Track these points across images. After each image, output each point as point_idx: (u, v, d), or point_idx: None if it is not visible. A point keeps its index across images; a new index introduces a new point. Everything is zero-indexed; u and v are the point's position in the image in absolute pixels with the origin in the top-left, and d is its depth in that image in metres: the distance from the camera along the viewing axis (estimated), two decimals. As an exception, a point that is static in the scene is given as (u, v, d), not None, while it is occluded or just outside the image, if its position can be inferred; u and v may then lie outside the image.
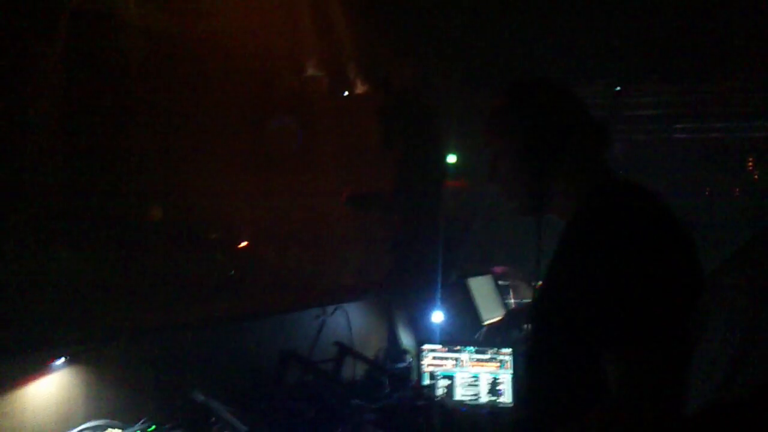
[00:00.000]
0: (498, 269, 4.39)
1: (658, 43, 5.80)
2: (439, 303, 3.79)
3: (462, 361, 3.19)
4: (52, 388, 2.40)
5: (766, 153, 6.88)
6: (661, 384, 1.37)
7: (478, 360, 3.17)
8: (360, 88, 6.00)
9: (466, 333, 3.73)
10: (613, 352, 1.43)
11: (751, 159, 6.95)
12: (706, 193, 6.77)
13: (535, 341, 1.69)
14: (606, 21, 5.59)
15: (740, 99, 6.66)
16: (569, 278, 1.53)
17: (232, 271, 4.69)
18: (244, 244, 5.08)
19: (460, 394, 3.17)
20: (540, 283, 1.69)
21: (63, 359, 2.44)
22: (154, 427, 2.51)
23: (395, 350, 3.85)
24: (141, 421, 2.52)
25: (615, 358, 1.42)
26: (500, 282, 4.32)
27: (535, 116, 1.65)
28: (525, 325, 1.88)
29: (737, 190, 6.85)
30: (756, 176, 7.05)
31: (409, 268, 4.05)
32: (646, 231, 1.45)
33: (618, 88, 6.87)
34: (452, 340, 3.37)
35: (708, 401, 1.20)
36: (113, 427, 2.44)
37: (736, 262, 1.35)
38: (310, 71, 5.84)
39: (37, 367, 2.36)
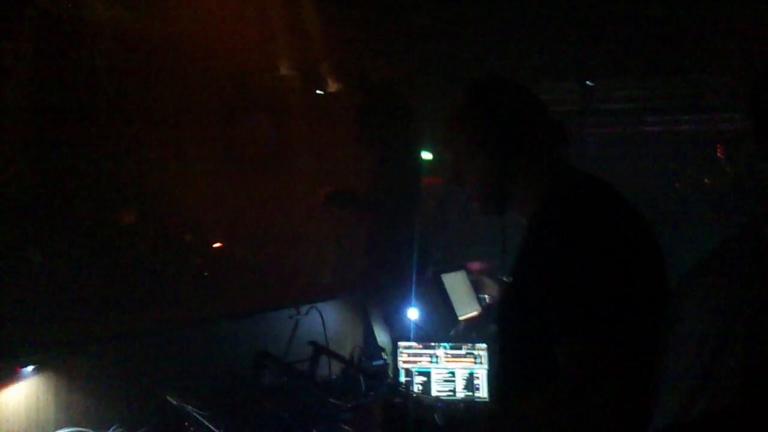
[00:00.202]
0: (472, 265, 4.40)
1: (628, 38, 5.85)
2: (414, 300, 3.79)
3: (438, 357, 3.20)
4: (20, 396, 2.36)
5: (736, 145, 6.97)
6: (605, 381, 1.36)
7: (454, 356, 3.18)
8: (334, 86, 5.98)
9: (442, 329, 3.74)
10: (560, 347, 1.45)
11: (720, 151, 7.02)
12: (676, 185, 6.84)
13: (501, 336, 1.71)
14: (577, 17, 5.62)
15: (711, 91, 6.73)
16: (527, 275, 1.55)
17: (206, 273, 4.65)
18: (218, 244, 5.04)
19: (437, 390, 3.17)
20: (509, 279, 1.71)
21: (31, 367, 2.40)
22: (126, 432, 2.48)
23: (371, 348, 3.85)
24: (113, 428, 2.50)
25: (561, 352, 1.44)
26: (475, 277, 4.33)
27: (492, 116, 1.65)
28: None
29: (708, 182, 6.93)
30: (727, 168, 7.13)
31: (384, 265, 4.04)
32: (596, 228, 1.47)
33: (589, 83, 6.91)
34: (428, 337, 3.37)
35: (682, 405, 1.19)
36: (85, 434, 2.41)
37: (714, 260, 1.35)
38: (283, 69, 5.80)
39: (5, 374, 2.32)
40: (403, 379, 3.21)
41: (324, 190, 4.04)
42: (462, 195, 1.92)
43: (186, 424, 2.51)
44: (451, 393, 3.16)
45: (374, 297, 4.06)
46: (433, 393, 3.16)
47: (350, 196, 4.12)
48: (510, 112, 1.64)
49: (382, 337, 3.94)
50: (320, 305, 3.61)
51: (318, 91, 5.95)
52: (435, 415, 1.72)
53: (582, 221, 1.48)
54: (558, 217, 1.52)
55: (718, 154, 6.94)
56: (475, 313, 3.95)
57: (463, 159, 1.73)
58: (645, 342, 1.37)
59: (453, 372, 3.17)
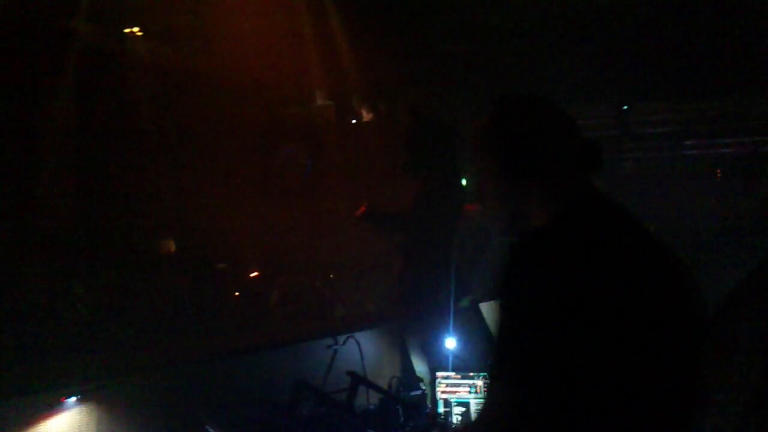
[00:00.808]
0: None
1: (665, 62, 5.81)
2: (451, 329, 3.76)
3: (477, 387, 3.15)
4: (63, 426, 2.39)
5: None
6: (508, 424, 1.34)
7: (493, 386, 3.13)
8: (368, 116, 6.03)
9: (480, 359, 3.69)
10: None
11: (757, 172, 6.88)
12: (713, 206, 6.68)
13: None
14: (614, 42, 5.60)
15: (748, 114, 6.63)
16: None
17: (236, 293, 4.68)
18: (254, 274, 5.07)
19: (476, 421, 3.13)
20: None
21: (75, 397, 2.43)
22: (166, 463, 2.49)
23: (409, 378, 3.81)
24: (154, 457, 2.51)
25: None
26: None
27: (511, 135, 1.58)
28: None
29: (746, 203, 6.78)
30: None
31: (421, 294, 4.02)
32: (544, 270, 1.37)
33: (626, 107, 6.86)
34: (466, 367, 3.34)
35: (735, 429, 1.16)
36: (126, 465, 2.43)
37: (755, 284, 1.30)
38: (319, 100, 5.87)
39: (49, 405, 2.35)
40: (441, 409, 3.17)
41: (365, 207, 4.05)
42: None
43: (225, 454, 2.50)
44: (491, 424, 3.10)
45: (412, 326, 4.03)
46: (473, 424, 3.12)
47: (387, 215, 4.11)
48: (526, 132, 1.55)
49: (419, 367, 3.91)
50: (358, 334, 3.59)
51: (352, 121, 6.01)
52: None
53: (535, 260, 1.39)
54: (520, 251, 1.44)
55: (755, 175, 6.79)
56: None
57: (483, 177, 1.69)
58: (583, 393, 1.31)
59: (492, 402, 3.12)
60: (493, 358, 1.38)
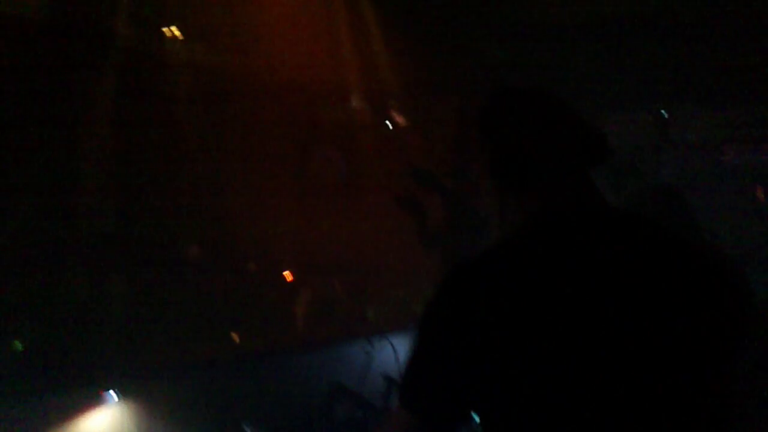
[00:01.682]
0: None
1: (703, 69, 5.71)
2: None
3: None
4: (103, 422, 2.40)
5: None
6: None
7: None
8: (402, 120, 6.02)
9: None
10: None
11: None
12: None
13: None
14: (653, 48, 5.52)
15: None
16: None
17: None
18: (290, 276, 5.07)
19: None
20: None
21: (113, 393, 2.44)
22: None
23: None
24: (191, 456, 2.51)
25: None
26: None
27: (498, 131, 1.42)
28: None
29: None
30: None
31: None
32: (474, 290, 1.25)
33: (665, 114, 6.75)
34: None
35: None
36: (164, 462, 2.43)
37: None
38: (355, 103, 5.87)
39: (89, 400, 2.37)
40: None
41: (410, 167, 4.04)
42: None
43: (262, 455, 2.50)
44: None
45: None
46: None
47: (434, 176, 4.09)
48: (515, 135, 1.40)
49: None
50: (393, 338, 3.57)
51: (387, 123, 6.00)
52: None
53: (455, 297, 1.26)
54: (445, 283, 1.30)
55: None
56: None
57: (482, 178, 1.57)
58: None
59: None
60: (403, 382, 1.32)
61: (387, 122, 6.01)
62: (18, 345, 3.14)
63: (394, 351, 3.57)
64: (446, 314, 1.24)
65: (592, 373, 1.21)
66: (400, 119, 5.96)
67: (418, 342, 1.28)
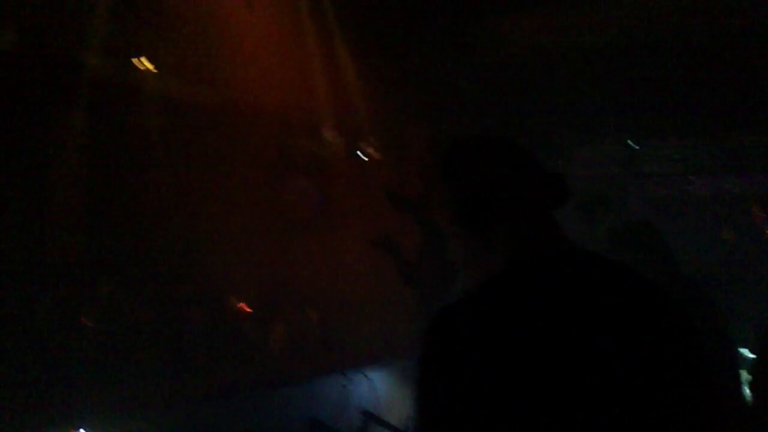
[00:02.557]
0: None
1: (672, 101, 5.83)
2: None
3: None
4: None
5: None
6: None
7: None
8: (374, 151, 6.03)
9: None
10: None
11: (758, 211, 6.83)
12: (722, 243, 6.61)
13: None
14: (619, 79, 5.63)
15: (757, 152, 6.65)
16: None
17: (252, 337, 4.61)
18: (254, 309, 4.98)
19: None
20: None
21: (82, 430, 2.37)
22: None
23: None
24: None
25: None
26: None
27: (460, 179, 1.46)
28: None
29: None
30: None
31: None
32: (458, 337, 1.27)
33: (635, 146, 6.88)
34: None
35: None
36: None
37: None
38: (327, 134, 5.87)
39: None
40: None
41: (389, 189, 4.02)
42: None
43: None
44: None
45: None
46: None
47: (407, 200, 4.08)
48: (469, 175, 1.45)
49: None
50: (371, 373, 3.54)
51: (358, 153, 6.01)
52: None
53: (446, 338, 1.29)
54: (432, 326, 1.33)
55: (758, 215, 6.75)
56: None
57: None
58: None
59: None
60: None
61: (359, 152, 6.03)
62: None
63: (372, 385, 3.54)
64: (442, 365, 1.25)
65: (584, 411, 1.23)
66: (372, 149, 5.98)
67: (423, 398, 1.27)
